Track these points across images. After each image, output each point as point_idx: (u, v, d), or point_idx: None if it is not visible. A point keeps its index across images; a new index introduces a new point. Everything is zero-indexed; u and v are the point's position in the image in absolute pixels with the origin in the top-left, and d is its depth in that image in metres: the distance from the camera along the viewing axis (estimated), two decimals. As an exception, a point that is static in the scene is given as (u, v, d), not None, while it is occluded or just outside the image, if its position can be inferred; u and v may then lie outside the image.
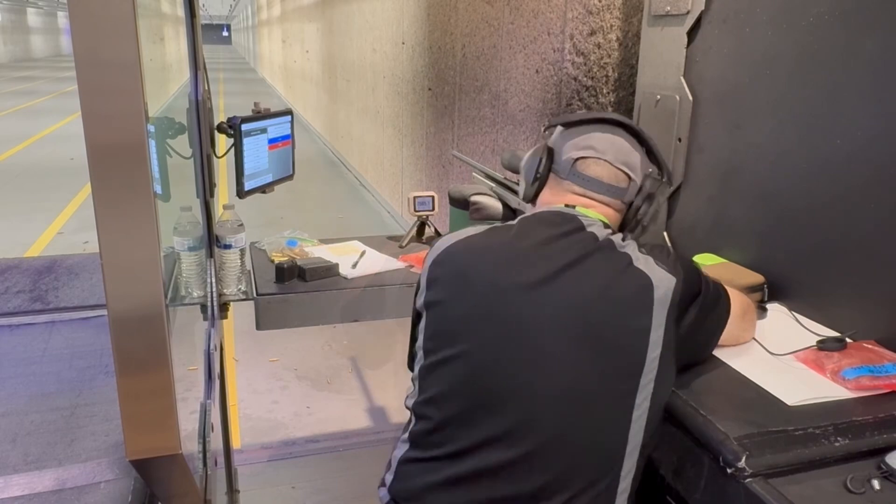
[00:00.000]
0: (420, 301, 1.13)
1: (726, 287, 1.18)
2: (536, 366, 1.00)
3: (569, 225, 1.11)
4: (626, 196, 1.19)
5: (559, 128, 1.27)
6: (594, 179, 1.18)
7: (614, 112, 1.33)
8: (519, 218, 1.19)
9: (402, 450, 1.11)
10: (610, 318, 1.00)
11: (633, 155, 1.19)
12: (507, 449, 0.99)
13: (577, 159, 1.19)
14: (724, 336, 1.16)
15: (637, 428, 1.00)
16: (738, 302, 1.19)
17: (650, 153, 1.23)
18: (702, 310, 1.08)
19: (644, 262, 1.04)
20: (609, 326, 1.00)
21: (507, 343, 1.02)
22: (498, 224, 1.20)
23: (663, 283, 1.02)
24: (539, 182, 1.23)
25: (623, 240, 1.10)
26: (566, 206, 1.17)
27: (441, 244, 1.14)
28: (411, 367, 1.17)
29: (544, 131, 1.30)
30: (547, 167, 1.22)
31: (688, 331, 1.05)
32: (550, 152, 1.23)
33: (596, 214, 1.16)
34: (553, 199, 1.22)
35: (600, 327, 1.00)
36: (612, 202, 1.19)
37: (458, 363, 1.04)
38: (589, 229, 1.11)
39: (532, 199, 1.27)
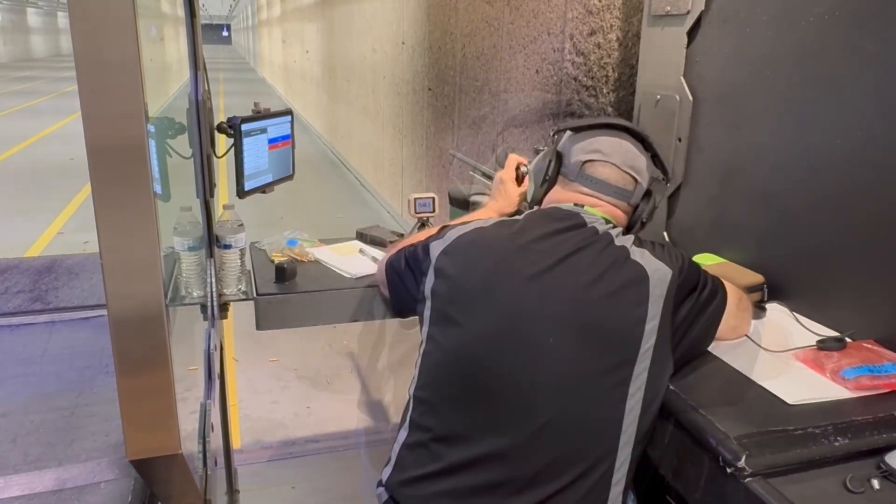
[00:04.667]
0: (427, 288, 1.16)
1: (722, 280, 1.20)
2: (532, 354, 1.03)
3: (570, 220, 1.15)
4: (633, 199, 1.24)
5: (567, 132, 1.31)
6: (602, 181, 1.22)
7: (618, 116, 1.38)
8: (525, 213, 1.23)
9: (401, 436, 1.13)
10: (605, 309, 1.03)
11: (639, 159, 1.24)
12: (503, 435, 1.01)
13: (586, 162, 1.24)
14: (722, 328, 1.17)
15: (631, 418, 1.01)
16: (733, 294, 1.20)
17: (655, 158, 1.28)
18: (698, 302, 1.10)
19: (640, 255, 1.08)
20: (604, 316, 1.02)
21: (504, 333, 1.04)
22: (506, 218, 1.25)
23: (659, 274, 1.04)
24: (548, 184, 1.28)
25: (622, 234, 1.14)
26: (575, 204, 1.22)
27: (451, 234, 1.17)
28: (400, 314, 1.33)
29: (553, 136, 1.35)
30: (556, 170, 1.27)
31: (683, 322, 1.07)
32: (559, 156, 1.28)
33: (601, 213, 1.20)
34: (562, 198, 1.26)
35: (595, 317, 1.02)
36: (619, 204, 1.23)
37: (457, 351, 1.07)
38: (590, 225, 1.15)
39: (539, 201, 1.31)
